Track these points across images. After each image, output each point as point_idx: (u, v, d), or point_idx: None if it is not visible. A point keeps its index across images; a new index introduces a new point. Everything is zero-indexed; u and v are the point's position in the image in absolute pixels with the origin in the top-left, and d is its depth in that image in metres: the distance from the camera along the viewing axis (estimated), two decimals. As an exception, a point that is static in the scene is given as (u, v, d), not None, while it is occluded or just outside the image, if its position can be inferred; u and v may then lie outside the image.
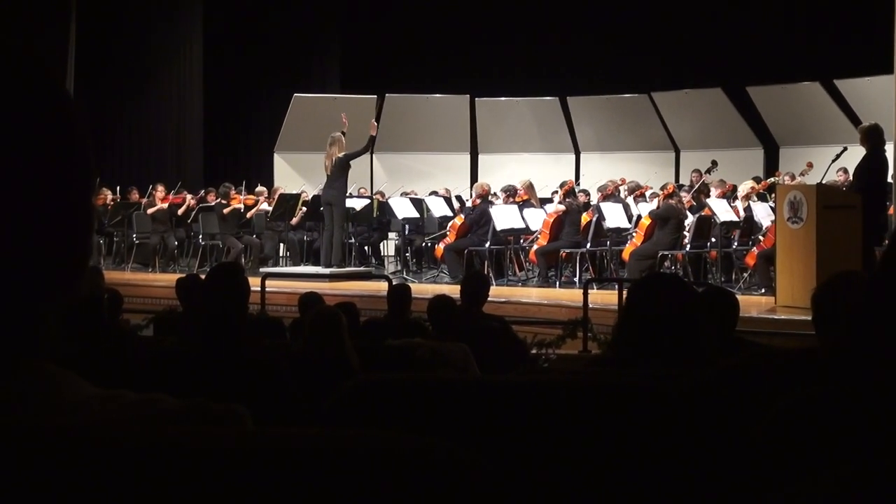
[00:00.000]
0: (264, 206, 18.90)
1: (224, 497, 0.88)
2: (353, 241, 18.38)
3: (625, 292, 11.01)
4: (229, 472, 0.89)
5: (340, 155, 15.96)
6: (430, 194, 19.61)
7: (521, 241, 16.84)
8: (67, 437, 0.92)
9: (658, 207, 15.43)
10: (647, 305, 3.86)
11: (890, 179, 13.48)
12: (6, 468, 0.89)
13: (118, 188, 20.65)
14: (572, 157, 24.61)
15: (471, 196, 18.08)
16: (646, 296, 3.93)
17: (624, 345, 3.93)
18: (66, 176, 1.00)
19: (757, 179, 17.96)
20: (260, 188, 19.92)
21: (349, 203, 18.15)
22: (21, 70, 0.98)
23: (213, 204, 18.79)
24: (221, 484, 0.88)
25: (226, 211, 18.24)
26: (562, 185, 17.23)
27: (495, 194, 17.52)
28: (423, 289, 13.86)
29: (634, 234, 15.64)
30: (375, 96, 24.45)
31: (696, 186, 17.82)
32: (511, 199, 16.93)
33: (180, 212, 19.19)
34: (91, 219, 1.03)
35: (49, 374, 1.00)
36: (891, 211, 13.97)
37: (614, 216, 16.00)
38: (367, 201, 19.15)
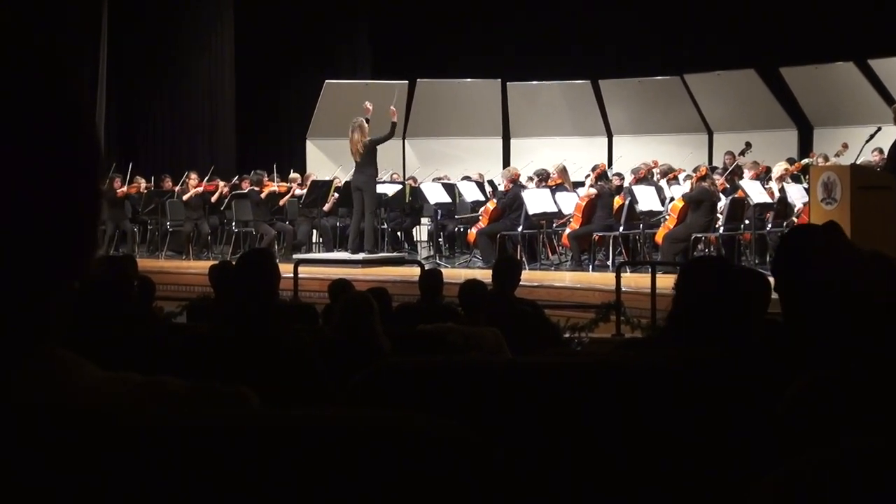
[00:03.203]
0: (297, 192, 18.94)
1: (226, 475, 0.88)
2: (385, 226, 18.39)
3: (658, 275, 11.02)
4: (232, 451, 0.89)
5: (366, 140, 15.93)
6: (463, 179, 19.59)
7: (554, 224, 16.81)
8: (74, 419, 0.93)
9: (691, 190, 15.36)
10: (695, 287, 3.84)
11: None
12: (16, 448, 0.89)
13: (151, 176, 20.76)
14: (605, 140, 24.55)
15: (502, 180, 18.05)
16: (693, 278, 3.91)
17: (673, 327, 3.91)
18: (72, 163, 1.00)
19: (791, 161, 17.85)
20: (293, 175, 19.95)
21: (381, 189, 18.15)
22: (24, 60, 0.98)
23: (246, 191, 18.85)
24: (224, 462, 0.88)
25: (263, 195, 18.27)
26: (594, 169, 17.17)
27: (530, 178, 17.48)
28: (455, 273, 13.84)
29: (667, 217, 15.58)
30: (406, 82, 24.46)
31: (730, 168, 17.73)
32: (543, 184, 16.90)
33: (213, 199, 19.24)
34: (97, 205, 1.03)
35: (58, 358, 1.01)
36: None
37: (647, 199, 15.94)
38: (400, 187, 19.15)
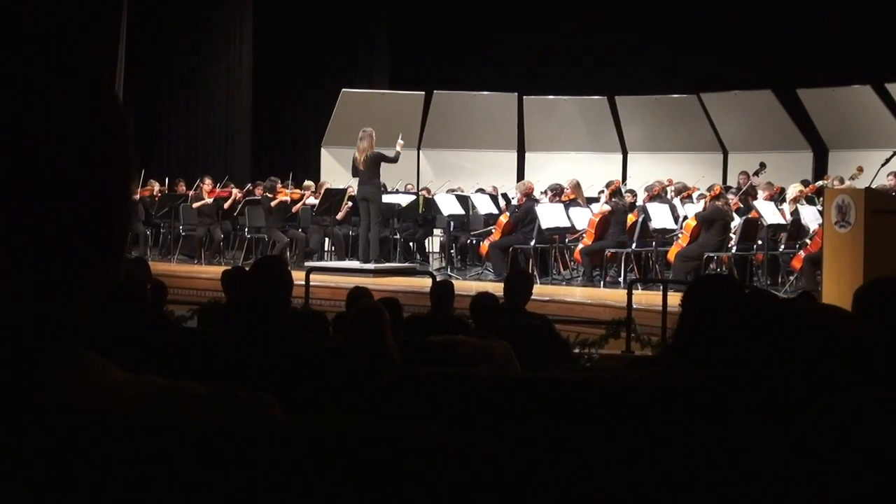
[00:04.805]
0: (310, 200, 18.96)
1: (247, 483, 0.88)
2: (397, 236, 18.42)
3: (669, 293, 11.01)
4: (252, 459, 0.89)
5: (373, 151, 15.95)
6: (477, 191, 19.59)
7: (567, 239, 16.80)
8: (95, 421, 0.93)
9: (704, 209, 15.34)
10: (701, 306, 3.84)
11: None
12: (36, 451, 0.90)
13: (166, 180, 20.82)
14: (619, 156, 24.54)
15: (517, 194, 18.05)
16: (699, 297, 3.91)
17: (677, 345, 3.91)
18: (106, 163, 1.00)
19: (805, 182, 17.81)
20: (307, 182, 19.98)
21: (395, 199, 18.16)
22: (57, 59, 0.98)
23: (259, 197, 18.89)
24: (244, 470, 0.88)
25: (273, 203, 18.31)
26: (608, 185, 17.16)
27: (543, 192, 17.46)
28: (466, 286, 13.84)
29: (680, 236, 15.57)
30: (423, 93, 24.47)
31: (744, 188, 17.71)
32: (557, 198, 16.89)
33: (226, 205, 19.29)
34: (129, 207, 1.03)
35: (80, 359, 1.01)
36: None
37: (660, 217, 15.93)
38: (413, 197, 19.16)
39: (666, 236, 15.99)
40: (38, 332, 0.98)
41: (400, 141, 16.60)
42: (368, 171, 16.02)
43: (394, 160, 16.24)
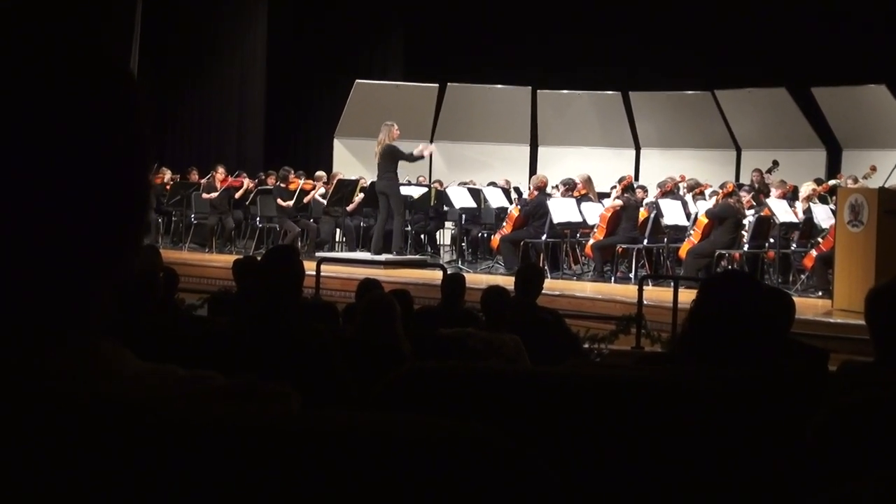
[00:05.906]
0: (322, 190, 18.96)
1: (266, 475, 0.88)
2: (409, 229, 18.41)
3: (680, 290, 11.00)
4: (273, 451, 0.89)
5: (387, 145, 15.91)
6: (489, 185, 19.57)
7: (578, 234, 16.78)
8: (114, 410, 0.93)
9: (716, 206, 15.31)
10: (719, 301, 3.81)
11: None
12: (56, 440, 0.90)
13: (178, 168, 20.83)
14: (632, 152, 24.48)
15: (529, 188, 18.03)
16: (717, 292, 3.88)
17: (688, 342, 3.89)
18: (124, 152, 1.00)
19: (818, 181, 17.76)
20: (320, 173, 19.99)
21: (408, 191, 18.16)
22: (78, 50, 0.99)
23: (271, 187, 18.91)
24: (264, 462, 0.88)
25: (282, 203, 18.32)
26: (620, 181, 17.13)
27: (556, 187, 17.43)
28: (477, 279, 13.84)
29: (692, 232, 15.54)
30: (437, 85, 24.45)
31: (757, 186, 17.67)
32: (569, 193, 16.87)
33: (238, 194, 19.30)
34: (147, 196, 1.03)
35: (99, 348, 1.01)
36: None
37: (672, 213, 15.89)
38: (426, 190, 19.15)
39: (678, 233, 15.96)
40: (57, 321, 0.98)
41: (429, 146, 16.61)
42: (384, 164, 15.99)
43: (408, 159, 16.18)
